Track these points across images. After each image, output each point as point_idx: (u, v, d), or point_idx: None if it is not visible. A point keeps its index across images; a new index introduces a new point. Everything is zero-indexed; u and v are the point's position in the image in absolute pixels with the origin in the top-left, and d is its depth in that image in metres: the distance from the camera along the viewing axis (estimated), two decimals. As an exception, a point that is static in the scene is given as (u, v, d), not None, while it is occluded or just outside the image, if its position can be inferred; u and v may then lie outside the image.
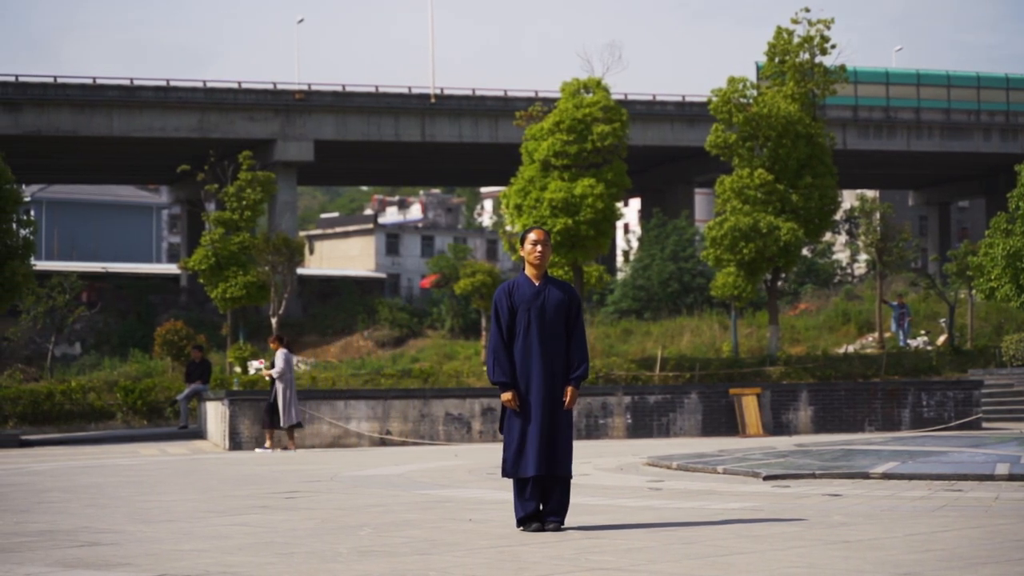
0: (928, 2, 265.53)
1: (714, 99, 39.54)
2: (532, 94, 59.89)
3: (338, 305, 64.79)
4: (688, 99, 65.04)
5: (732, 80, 39.65)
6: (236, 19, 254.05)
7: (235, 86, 61.02)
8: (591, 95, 38.85)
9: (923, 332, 45.79)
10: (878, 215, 46.13)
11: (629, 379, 36.16)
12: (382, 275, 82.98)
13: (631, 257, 70.22)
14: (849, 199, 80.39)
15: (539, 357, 9.59)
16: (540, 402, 9.53)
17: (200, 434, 29.86)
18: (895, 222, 49.60)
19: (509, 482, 9.94)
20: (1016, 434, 22.16)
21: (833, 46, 40.01)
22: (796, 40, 39.93)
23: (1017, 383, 33.90)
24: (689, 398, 27.46)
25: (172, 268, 70.76)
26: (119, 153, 65.43)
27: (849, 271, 74.01)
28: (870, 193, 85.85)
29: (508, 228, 40.16)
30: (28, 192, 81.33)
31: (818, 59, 40.12)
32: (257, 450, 23.88)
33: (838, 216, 63.88)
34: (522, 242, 9.87)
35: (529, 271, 9.82)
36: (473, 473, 16.44)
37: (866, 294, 55.02)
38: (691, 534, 9.26)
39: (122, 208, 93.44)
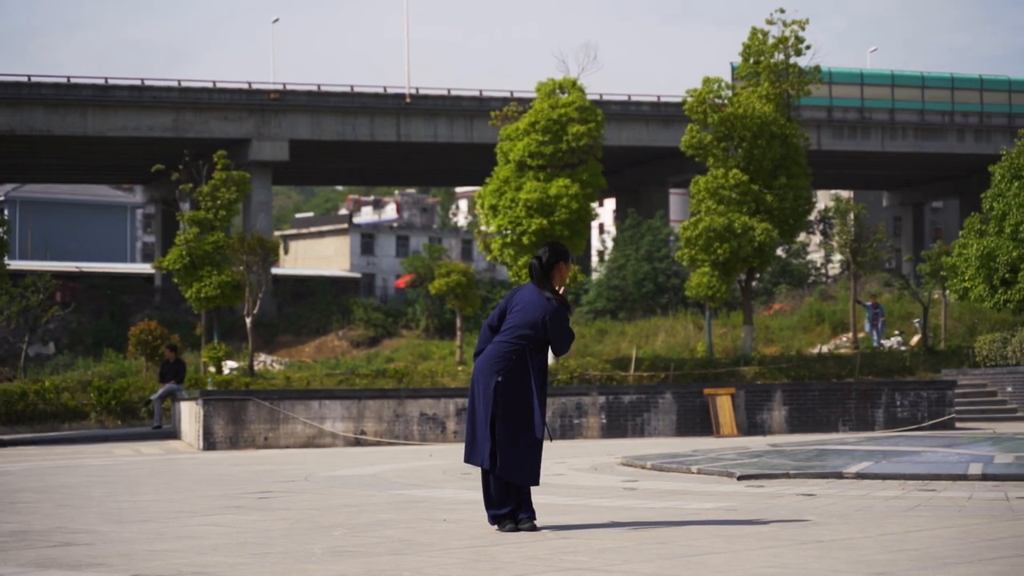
0: (903, 3, 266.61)
1: (689, 99, 39.57)
2: (507, 94, 59.89)
3: (313, 305, 64.64)
4: (663, 99, 65.07)
5: (707, 80, 39.69)
6: (211, 19, 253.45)
7: (210, 86, 60.82)
8: (566, 95, 38.89)
9: (897, 332, 45.93)
10: (852, 215, 46.25)
11: (603, 379, 36.16)
12: (357, 275, 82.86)
13: (606, 257, 70.25)
14: (823, 199, 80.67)
15: (489, 357, 9.68)
16: (484, 400, 9.58)
17: (174, 434, 29.77)
18: (869, 222, 49.73)
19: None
20: (989, 434, 22.27)
21: (808, 47, 40.09)
22: (771, 41, 39.98)
23: (990, 383, 34.05)
24: (663, 398, 27.48)
25: (146, 268, 70.44)
26: (93, 152, 65.13)
27: (823, 271, 74.19)
28: (844, 194, 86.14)
29: (483, 228, 40.12)
30: (1, 191, 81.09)
31: (793, 60, 40.18)
32: None
33: (812, 216, 64.07)
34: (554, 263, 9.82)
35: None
36: (447, 473, 16.43)
37: (840, 294, 55.17)
38: (665, 534, 9.26)
39: (96, 208, 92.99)
